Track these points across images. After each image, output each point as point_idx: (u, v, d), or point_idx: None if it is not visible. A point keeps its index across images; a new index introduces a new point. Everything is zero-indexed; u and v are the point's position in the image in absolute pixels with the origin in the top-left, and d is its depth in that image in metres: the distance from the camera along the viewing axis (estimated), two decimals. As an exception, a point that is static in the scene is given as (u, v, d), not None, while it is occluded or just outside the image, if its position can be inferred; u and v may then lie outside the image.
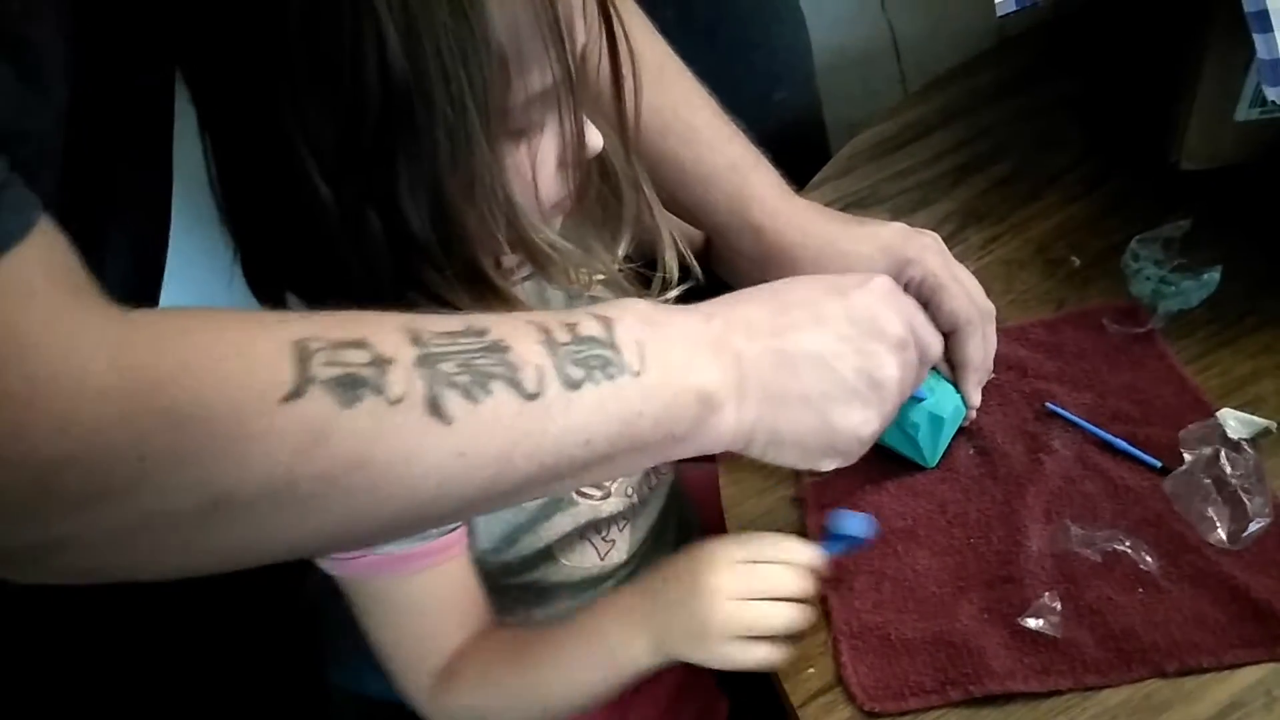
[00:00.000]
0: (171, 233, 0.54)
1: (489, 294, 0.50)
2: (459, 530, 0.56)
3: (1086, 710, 0.51)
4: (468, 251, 0.48)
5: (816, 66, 0.97)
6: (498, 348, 0.40)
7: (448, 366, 0.38)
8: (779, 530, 0.61)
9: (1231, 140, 0.70)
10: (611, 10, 0.49)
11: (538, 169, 0.49)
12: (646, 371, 0.43)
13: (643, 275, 0.58)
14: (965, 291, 0.60)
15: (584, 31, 0.48)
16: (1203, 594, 0.53)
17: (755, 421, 0.47)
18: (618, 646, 0.54)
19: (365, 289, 0.46)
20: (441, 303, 0.49)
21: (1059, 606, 0.53)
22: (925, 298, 0.60)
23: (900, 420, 0.59)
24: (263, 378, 0.35)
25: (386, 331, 0.38)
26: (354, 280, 0.47)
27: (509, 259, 0.51)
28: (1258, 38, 0.56)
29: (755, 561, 0.52)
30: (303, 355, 0.36)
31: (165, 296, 0.54)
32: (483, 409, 0.39)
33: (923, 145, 0.83)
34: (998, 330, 0.61)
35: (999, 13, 0.66)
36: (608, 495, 0.63)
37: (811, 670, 0.55)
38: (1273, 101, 0.55)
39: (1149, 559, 0.55)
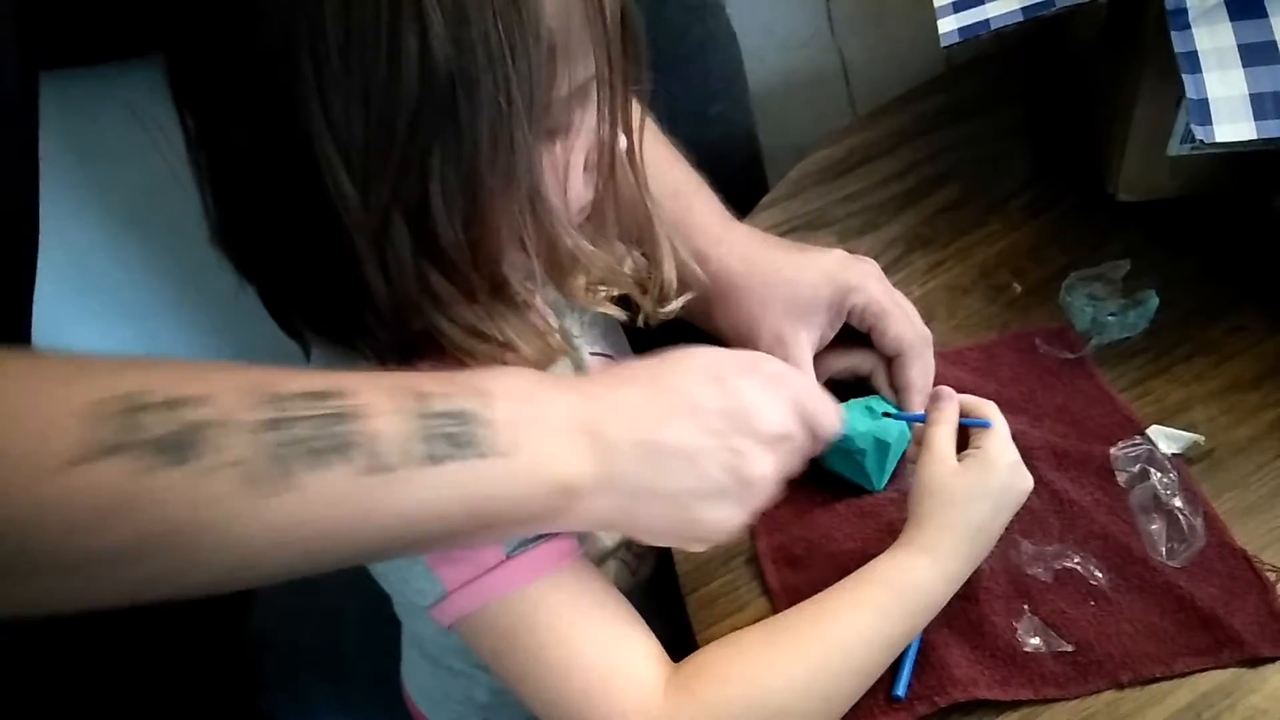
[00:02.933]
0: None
1: (510, 307, 0.48)
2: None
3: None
4: (494, 258, 0.46)
5: (767, 90, 0.98)
6: (351, 416, 0.38)
7: (286, 434, 0.37)
8: (728, 553, 0.61)
9: (1166, 173, 0.72)
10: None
11: (569, 169, 0.47)
12: (512, 455, 0.41)
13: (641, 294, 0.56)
14: (906, 317, 0.61)
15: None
16: (1151, 605, 0.55)
17: (614, 513, 0.45)
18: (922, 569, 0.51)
19: (383, 308, 0.45)
20: (457, 319, 0.47)
21: (1026, 623, 0.54)
22: (869, 324, 0.61)
23: (847, 446, 0.59)
24: (48, 440, 0.33)
25: (226, 391, 0.36)
26: (372, 298, 0.45)
27: (527, 270, 0.48)
28: (1187, 78, 0.57)
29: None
30: (101, 416, 0.34)
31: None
32: (317, 481, 0.37)
33: (871, 169, 0.84)
34: (935, 354, 0.63)
35: (944, 43, 0.67)
36: None
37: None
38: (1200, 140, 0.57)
39: (1098, 573, 0.56)
